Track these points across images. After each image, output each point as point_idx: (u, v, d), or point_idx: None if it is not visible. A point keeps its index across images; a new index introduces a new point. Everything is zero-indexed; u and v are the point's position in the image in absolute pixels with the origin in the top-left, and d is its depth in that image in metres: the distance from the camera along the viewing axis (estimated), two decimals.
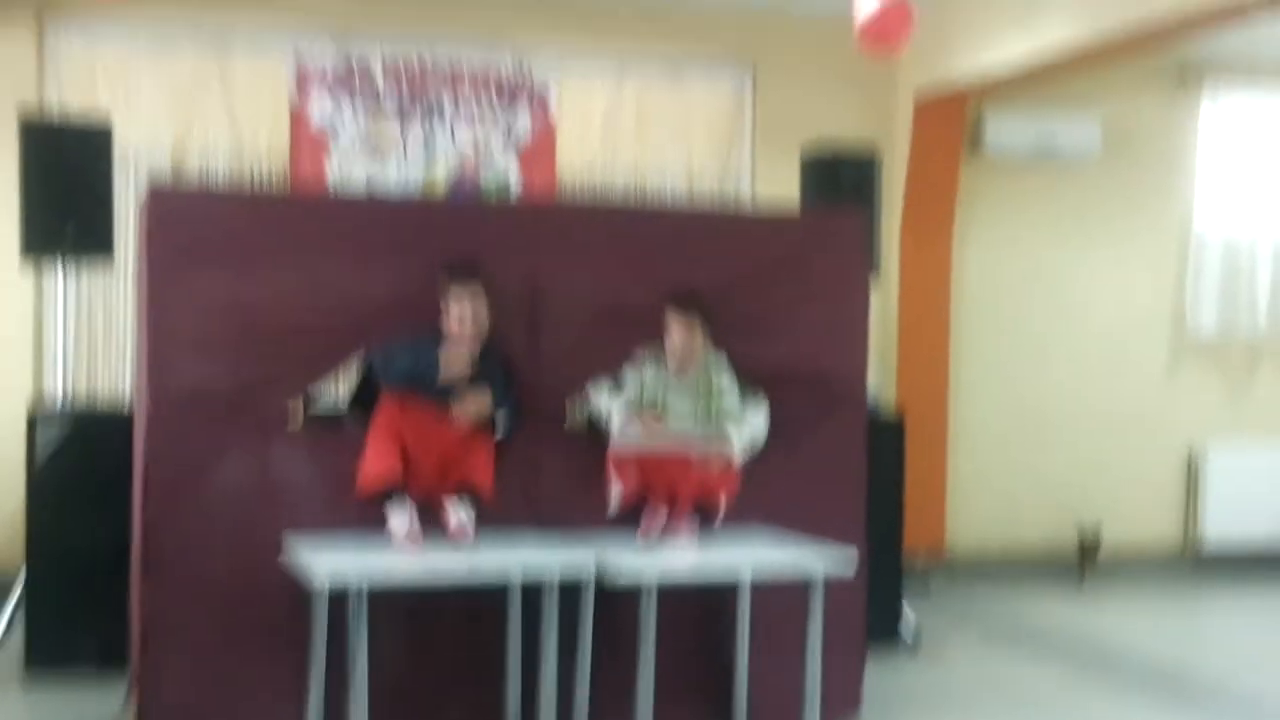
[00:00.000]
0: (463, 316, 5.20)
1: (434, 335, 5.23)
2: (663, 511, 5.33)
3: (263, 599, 5.09)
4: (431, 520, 5.16)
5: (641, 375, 5.47)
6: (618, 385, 5.46)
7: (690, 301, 5.45)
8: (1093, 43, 7.66)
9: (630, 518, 5.37)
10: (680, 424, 5.41)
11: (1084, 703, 6.49)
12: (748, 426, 5.52)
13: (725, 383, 5.50)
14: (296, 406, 5.21)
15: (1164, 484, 9.87)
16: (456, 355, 5.16)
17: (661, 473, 5.37)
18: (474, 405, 5.21)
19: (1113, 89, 9.43)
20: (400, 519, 5.08)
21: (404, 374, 5.19)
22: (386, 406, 5.21)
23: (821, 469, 5.80)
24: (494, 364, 5.32)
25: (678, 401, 5.44)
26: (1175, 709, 6.39)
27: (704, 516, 5.39)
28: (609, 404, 5.42)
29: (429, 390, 5.17)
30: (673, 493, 5.36)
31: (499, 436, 5.35)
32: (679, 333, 5.41)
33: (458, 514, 5.15)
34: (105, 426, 6.27)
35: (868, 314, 6.04)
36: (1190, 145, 9.78)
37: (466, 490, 5.20)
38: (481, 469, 5.26)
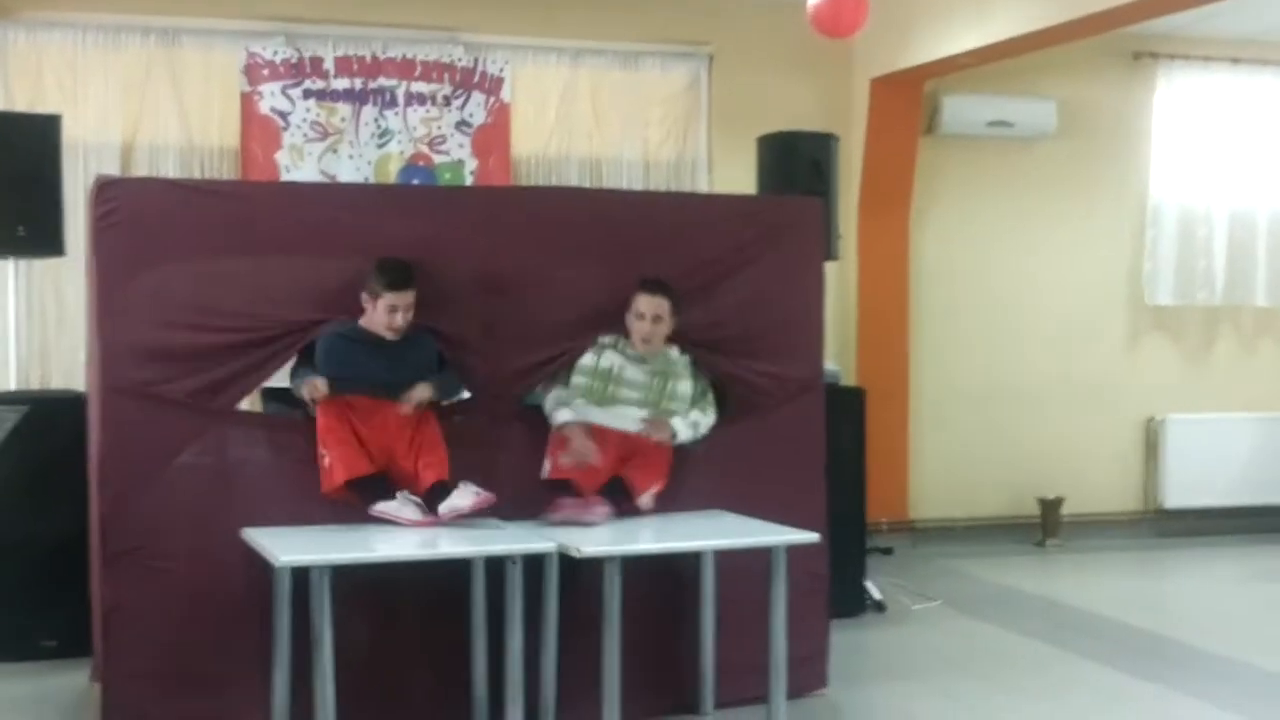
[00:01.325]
0: (392, 325, 5.18)
1: (353, 330, 5.22)
2: (568, 500, 5.28)
3: (225, 583, 5.07)
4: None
5: (599, 356, 5.47)
6: (571, 372, 5.47)
7: (658, 286, 5.46)
8: (1047, 28, 7.74)
9: (560, 488, 5.34)
10: (629, 404, 5.44)
11: (1050, 664, 6.55)
12: (691, 423, 5.53)
13: (681, 387, 5.52)
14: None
15: (1124, 452, 9.94)
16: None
17: (602, 448, 5.37)
18: (419, 395, 5.21)
19: (1067, 69, 9.48)
20: (401, 504, 5.09)
21: (336, 376, 5.16)
22: (331, 406, 5.17)
23: (781, 452, 5.80)
24: (425, 343, 5.33)
25: (632, 383, 5.47)
26: (1140, 666, 6.46)
27: (627, 493, 5.36)
28: (549, 393, 5.46)
29: (364, 387, 5.16)
30: (608, 468, 5.36)
31: (446, 399, 5.37)
32: (643, 312, 5.43)
33: (468, 492, 5.14)
34: (59, 407, 6.24)
35: (822, 297, 6.06)
36: (1145, 122, 9.85)
37: (440, 487, 5.17)
38: (438, 457, 5.23)
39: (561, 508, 5.23)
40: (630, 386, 5.47)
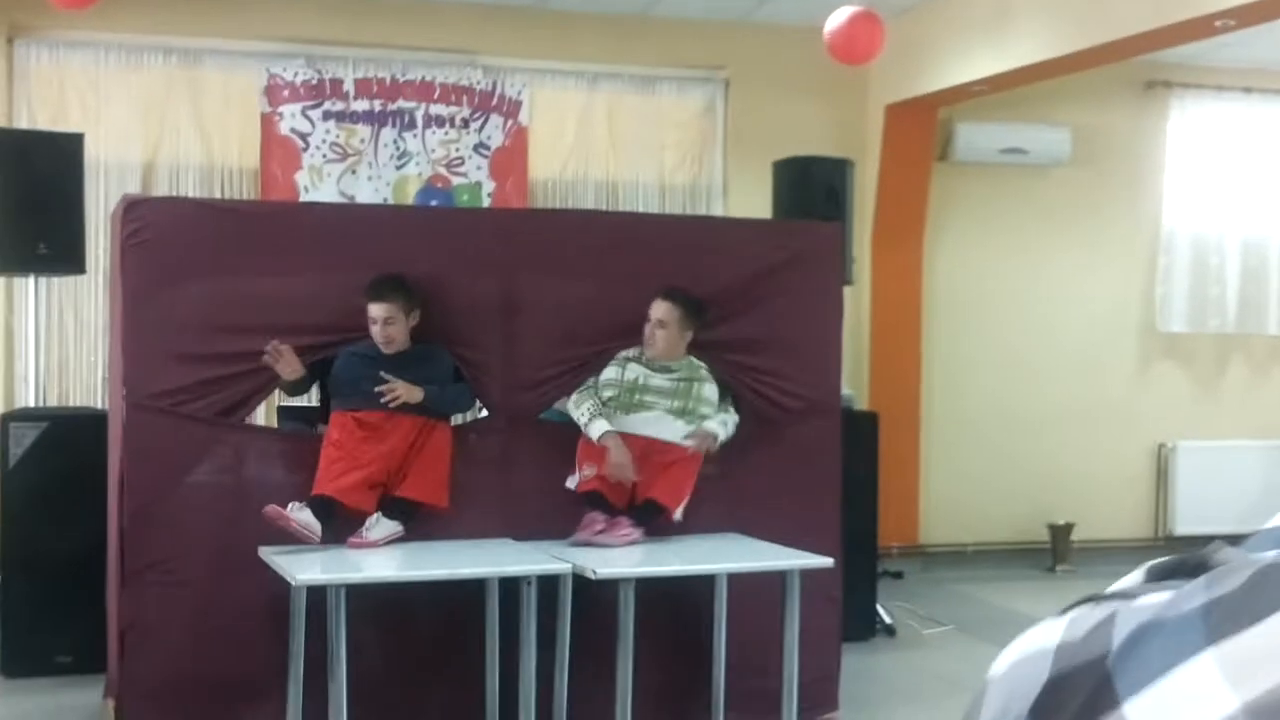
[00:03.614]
0: (377, 337, 5.22)
1: (363, 346, 5.26)
2: (599, 517, 5.32)
3: (241, 600, 5.11)
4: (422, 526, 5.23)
5: (623, 369, 5.51)
6: (595, 385, 5.50)
7: (675, 294, 5.51)
8: (1061, 57, 7.78)
9: (586, 500, 5.39)
10: (658, 415, 5.47)
11: None
12: (722, 422, 5.58)
13: (706, 390, 5.56)
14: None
15: (1134, 479, 9.94)
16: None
17: (624, 448, 5.41)
18: (404, 391, 5.18)
19: (1081, 97, 9.51)
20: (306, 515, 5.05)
21: (345, 388, 5.22)
22: (336, 420, 5.21)
23: (797, 475, 5.83)
24: (439, 358, 5.36)
25: (659, 391, 5.50)
26: None
27: (660, 511, 5.40)
28: (582, 404, 5.46)
29: (368, 400, 5.18)
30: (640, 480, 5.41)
31: (451, 413, 5.38)
32: (658, 319, 5.48)
33: (368, 525, 5.15)
34: (77, 424, 6.30)
35: (841, 322, 6.10)
36: (1158, 150, 9.87)
37: (407, 504, 5.22)
38: (427, 471, 5.26)
39: (589, 525, 5.27)
40: (657, 394, 5.50)
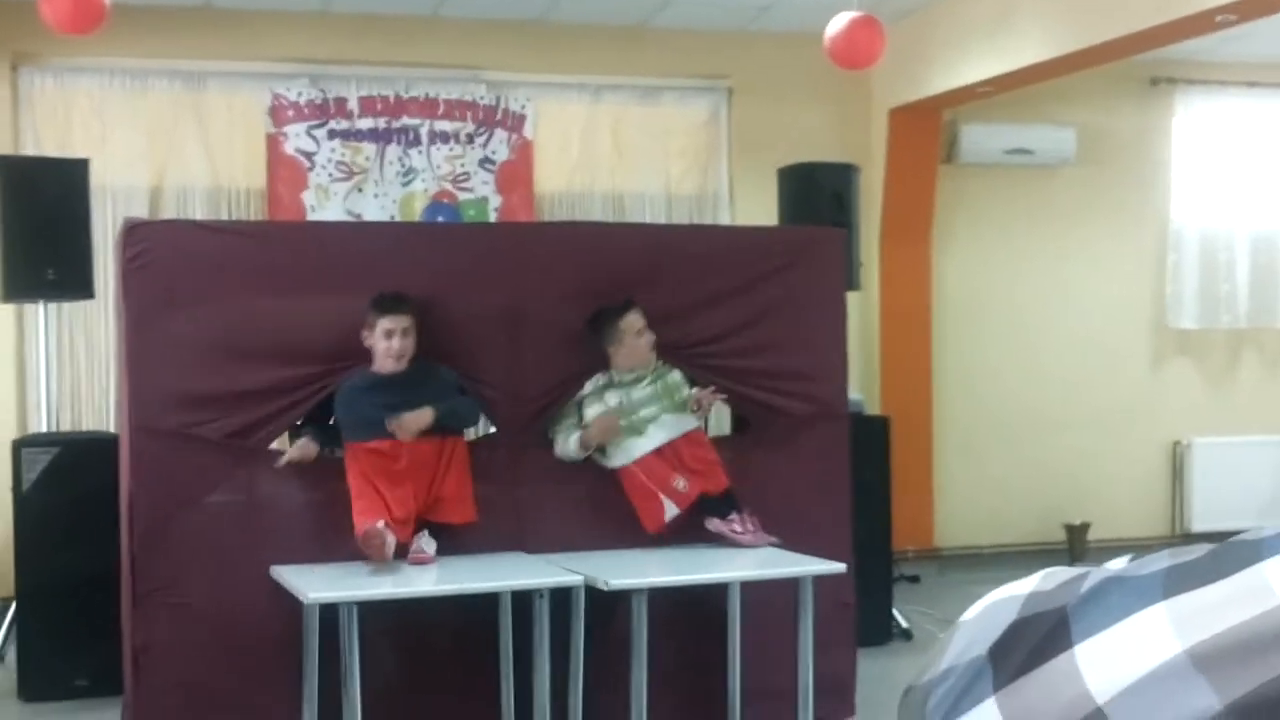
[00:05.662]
0: (392, 352, 5.17)
1: (364, 377, 5.23)
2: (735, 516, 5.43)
3: (254, 620, 5.10)
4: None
5: (603, 401, 5.49)
6: (578, 419, 5.50)
7: (631, 301, 5.49)
8: (1064, 56, 7.78)
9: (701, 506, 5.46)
10: (660, 421, 5.48)
11: None
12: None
13: (676, 377, 5.58)
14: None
15: (1150, 477, 9.93)
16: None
17: (667, 463, 5.44)
18: (412, 422, 5.17)
19: (1085, 96, 9.51)
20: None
21: (353, 423, 5.21)
22: (353, 453, 5.20)
23: (807, 481, 5.83)
24: (444, 376, 5.34)
25: (646, 401, 5.50)
26: None
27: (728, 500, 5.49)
28: (569, 440, 5.47)
29: (381, 430, 5.16)
30: (692, 478, 5.45)
31: (462, 428, 5.41)
32: (640, 328, 5.46)
33: (418, 544, 5.17)
34: (89, 449, 6.31)
35: (845, 325, 6.10)
36: (1164, 147, 9.87)
37: (437, 526, 5.24)
38: (454, 492, 5.28)
39: (730, 522, 5.41)
40: (647, 404, 5.50)
